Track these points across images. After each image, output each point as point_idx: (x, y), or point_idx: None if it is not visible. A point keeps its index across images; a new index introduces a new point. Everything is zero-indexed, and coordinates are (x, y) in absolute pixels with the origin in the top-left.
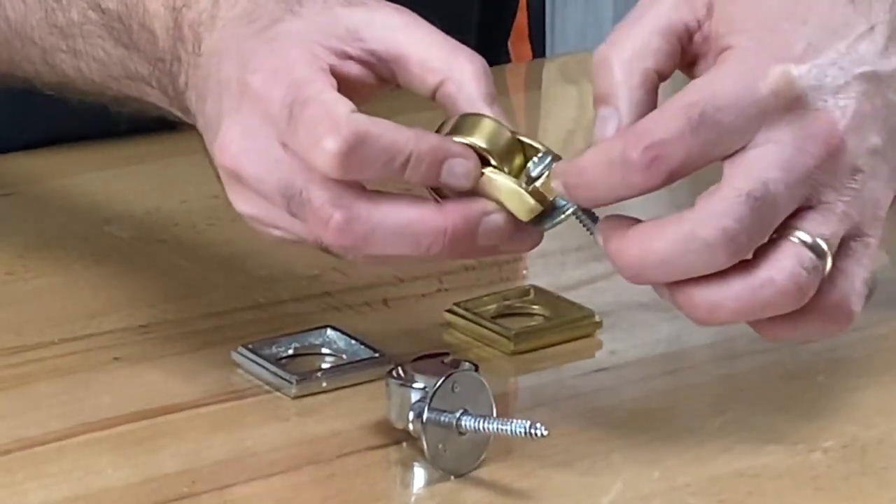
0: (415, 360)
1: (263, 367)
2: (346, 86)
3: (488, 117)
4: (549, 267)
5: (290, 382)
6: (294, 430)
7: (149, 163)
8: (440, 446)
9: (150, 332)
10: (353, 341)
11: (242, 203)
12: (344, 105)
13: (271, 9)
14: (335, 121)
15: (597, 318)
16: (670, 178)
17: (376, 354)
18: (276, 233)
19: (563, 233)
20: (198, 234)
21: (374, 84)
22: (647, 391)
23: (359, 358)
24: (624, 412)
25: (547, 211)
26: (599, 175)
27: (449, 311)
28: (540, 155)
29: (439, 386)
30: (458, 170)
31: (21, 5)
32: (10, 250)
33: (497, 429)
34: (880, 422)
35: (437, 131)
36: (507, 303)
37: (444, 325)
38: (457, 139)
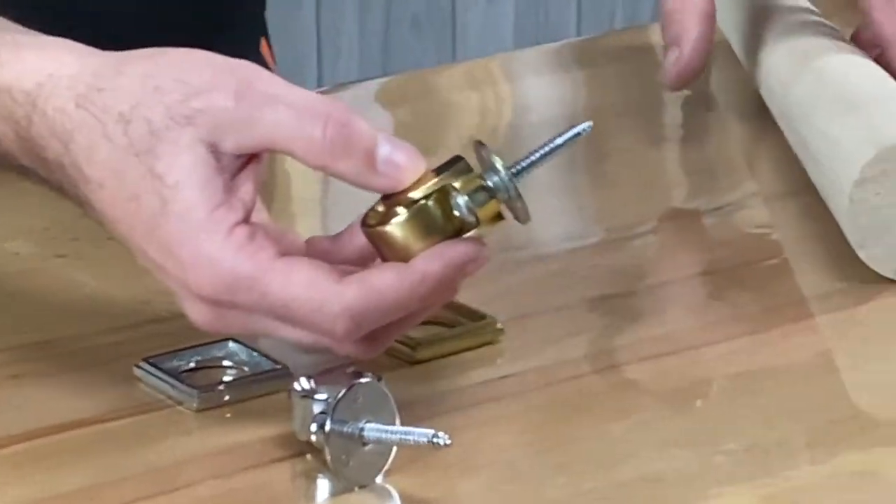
0: (318, 371)
1: (165, 381)
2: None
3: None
4: None
5: (193, 396)
6: (197, 444)
7: None
8: (343, 457)
9: (50, 348)
10: (254, 353)
11: (204, 321)
12: (326, 282)
13: (139, 178)
14: (328, 312)
15: (499, 325)
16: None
17: (278, 366)
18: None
19: None
20: (98, 249)
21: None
22: (551, 398)
23: (261, 370)
24: (528, 419)
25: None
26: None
27: None
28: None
29: (342, 397)
30: (473, 268)
31: None
32: None
33: (400, 439)
34: (782, 423)
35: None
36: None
37: None
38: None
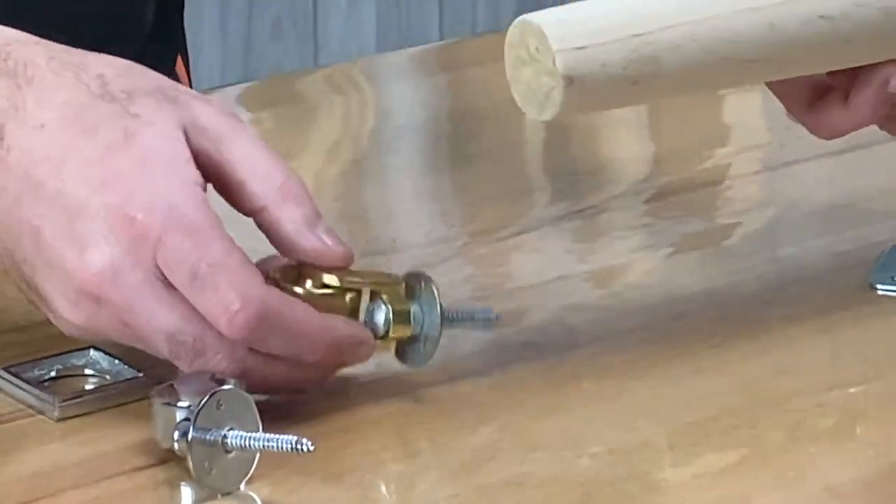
0: (180, 378)
1: (25, 389)
2: None
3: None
4: None
5: (53, 405)
6: (58, 454)
7: None
8: (206, 464)
9: None
10: (116, 361)
11: (85, 318)
12: (255, 275)
13: (106, 114)
14: (248, 293)
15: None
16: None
17: (140, 374)
18: (110, 339)
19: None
20: None
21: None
22: (415, 401)
23: (122, 378)
24: (391, 423)
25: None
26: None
27: None
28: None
29: (204, 404)
30: (361, 355)
31: None
32: None
33: (263, 445)
34: (644, 425)
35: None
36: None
37: None
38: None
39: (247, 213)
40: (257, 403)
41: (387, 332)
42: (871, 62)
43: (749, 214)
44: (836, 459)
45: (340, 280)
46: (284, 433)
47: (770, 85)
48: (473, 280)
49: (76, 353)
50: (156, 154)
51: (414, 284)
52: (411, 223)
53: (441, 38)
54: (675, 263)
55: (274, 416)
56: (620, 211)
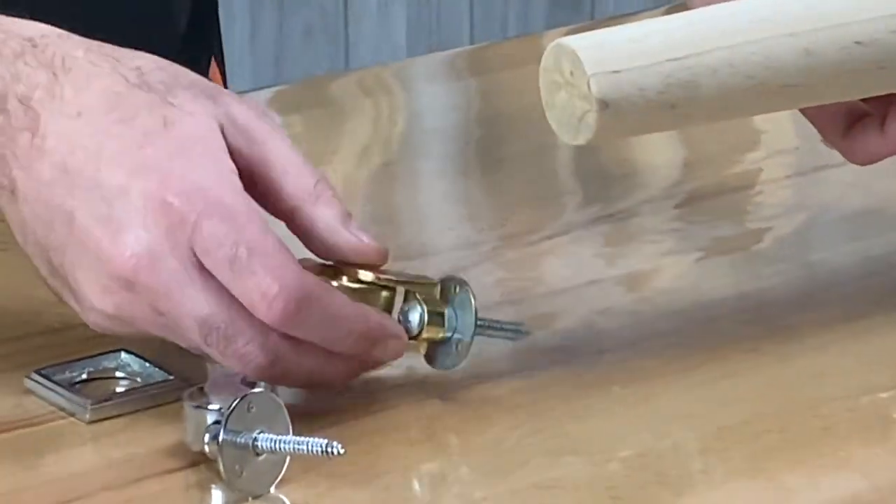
0: (210, 381)
1: (57, 392)
2: None
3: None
4: None
5: (84, 407)
6: (89, 456)
7: None
8: (237, 467)
9: None
10: (147, 364)
11: (115, 306)
12: (292, 259)
13: (143, 102)
14: (286, 278)
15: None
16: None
17: (171, 377)
18: (138, 329)
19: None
20: None
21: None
22: (445, 404)
23: (153, 381)
24: (421, 426)
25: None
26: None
27: None
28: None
29: (234, 407)
30: (392, 350)
31: None
32: None
33: (294, 448)
34: (674, 430)
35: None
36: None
37: None
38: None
39: (279, 214)
40: (288, 407)
41: (420, 332)
42: None
43: (780, 219)
44: (867, 464)
45: (376, 276)
46: (315, 436)
47: (805, 111)
48: (503, 284)
49: (107, 355)
50: (194, 142)
51: (449, 288)
52: (441, 227)
53: (471, 42)
54: (705, 268)
55: (304, 418)
56: (651, 215)
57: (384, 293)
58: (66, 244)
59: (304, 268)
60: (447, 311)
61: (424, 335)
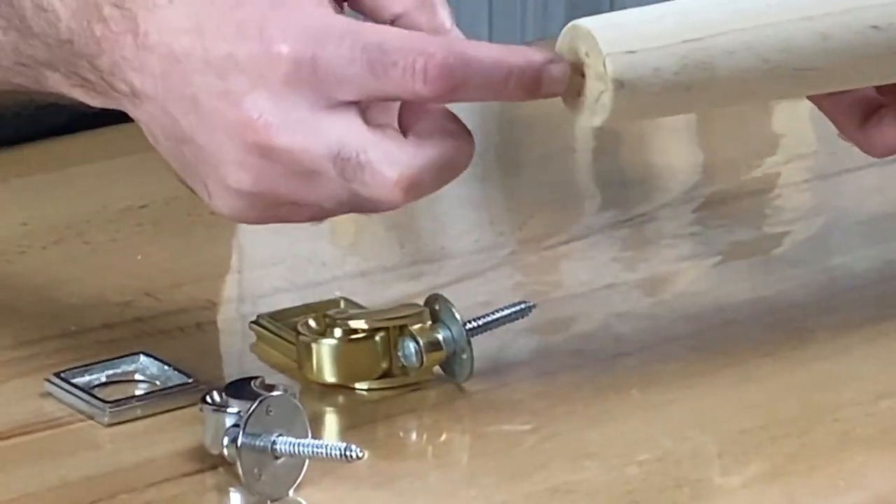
0: (229, 384)
1: (76, 395)
2: None
3: None
4: (368, 285)
5: (103, 410)
6: (108, 459)
7: None
8: (256, 471)
9: None
10: (166, 367)
11: (253, 178)
12: (423, 35)
13: None
14: (428, 48)
15: None
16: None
17: (189, 380)
18: (283, 212)
19: (379, 252)
20: (7, 263)
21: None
22: (463, 408)
23: (172, 384)
24: (439, 430)
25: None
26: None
27: (254, 322)
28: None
29: (253, 410)
30: (556, 73)
31: None
32: None
33: (312, 452)
34: (694, 434)
35: None
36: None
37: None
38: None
39: (382, 20)
40: (306, 410)
41: (422, 363)
42: None
43: (798, 223)
44: (886, 468)
45: (368, 322)
46: (333, 439)
47: (821, 104)
48: (522, 288)
49: (126, 358)
50: None
51: (434, 309)
52: (460, 231)
53: None
54: (723, 272)
55: (323, 422)
56: (669, 219)
57: (378, 336)
58: (195, 131)
59: (298, 321)
60: (441, 333)
61: (427, 363)
